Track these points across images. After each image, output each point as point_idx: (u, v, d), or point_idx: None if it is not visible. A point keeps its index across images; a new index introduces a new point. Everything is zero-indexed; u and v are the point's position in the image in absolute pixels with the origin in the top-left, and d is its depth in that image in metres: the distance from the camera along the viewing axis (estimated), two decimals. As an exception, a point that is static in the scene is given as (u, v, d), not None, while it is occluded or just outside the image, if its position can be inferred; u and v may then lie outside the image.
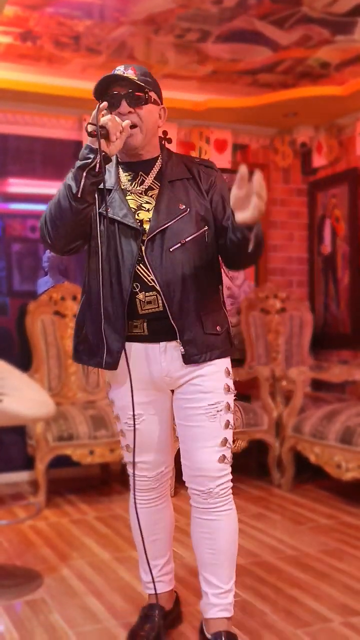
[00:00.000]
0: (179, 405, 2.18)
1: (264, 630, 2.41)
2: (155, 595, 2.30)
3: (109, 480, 4.48)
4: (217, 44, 3.79)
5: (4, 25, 3.54)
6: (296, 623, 2.46)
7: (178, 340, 2.08)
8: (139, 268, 2.08)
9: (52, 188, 4.60)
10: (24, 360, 4.30)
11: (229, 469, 2.17)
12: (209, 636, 2.19)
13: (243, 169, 1.82)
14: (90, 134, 1.94)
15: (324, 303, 5.07)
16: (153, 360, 2.12)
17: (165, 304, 2.06)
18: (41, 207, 4.72)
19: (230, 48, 3.86)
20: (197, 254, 2.10)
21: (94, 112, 1.96)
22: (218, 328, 2.15)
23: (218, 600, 2.18)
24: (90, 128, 1.94)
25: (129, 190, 2.15)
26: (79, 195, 1.97)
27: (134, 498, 2.26)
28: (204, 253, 2.12)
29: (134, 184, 2.15)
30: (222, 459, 2.13)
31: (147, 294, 2.08)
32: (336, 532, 3.46)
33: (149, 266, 2.06)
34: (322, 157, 4.94)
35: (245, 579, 2.83)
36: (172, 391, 2.20)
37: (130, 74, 2.06)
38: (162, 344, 2.11)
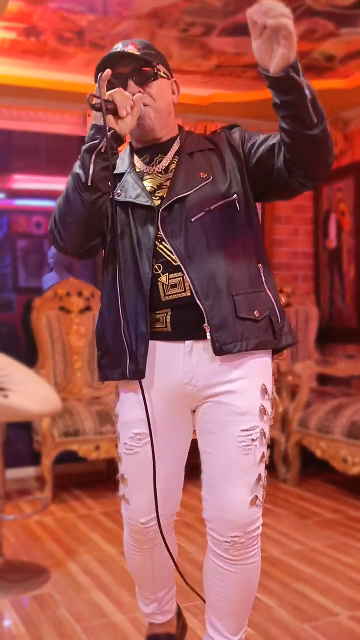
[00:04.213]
0: (204, 428, 1.80)
1: (271, 624, 2.41)
2: (160, 626, 2.06)
3: (115, 476, 4.48)
4: (222, 37, 3.78)
5: (8, 20, 3.54)
6: (302, 617, 2.46)
7: (205, 325, 1.71)
8: (161, 247, 1.77)
9: (56, 184, 4.64)
10: (29, 356, 4.31)
11: (261, 512, 1.79)
12: None
13: (251, 11, 1.47)
14: (93, 107, 1.67)
15: (330, 297, 5.06)
16: (173, 362, 1.76)
17: (190, 282, 1.72)
18: (46, 203, 4.77)
19: (234, 42, 3.84)
20: (227, 225, 1.78)
21: (97, 83, 1.68)
22: (256, 313, 1.75)
23: None
24: (94, 101, 1.66)
25: (145, 172, 1.86)
26: (89, 184, 1.68)
27: (130, 542, 1.97)
28: (236, 223, 1.79)
29: (151, 164, 1.87)
30: (254, 501, 1.76)
31: (171, 275, 1.75)
32: (342, 527, 3.46)
33: (168, 240, 1.75)
34: (327, 151, 4.92)
35: (251, 574, 2.84)
36: (193, 412, 1.84)
37: (131, 49, 1.80)
38: (188, 342, 1.75)
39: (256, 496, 1.76)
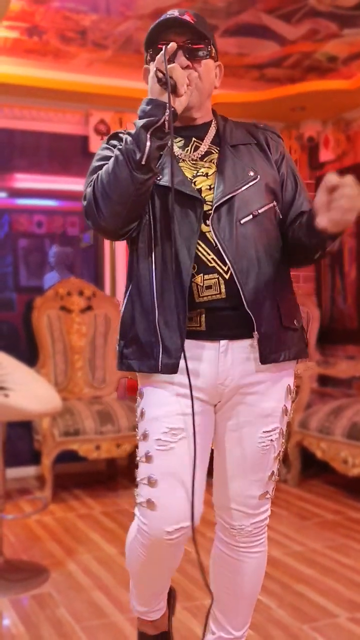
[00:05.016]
0: (224, 425, 1.77)
1: (270, 625, 2.41)
2: (151, 623, 1.95)
3: (115, 475, 4.48)
4: (224, 38, 3.77)
5: (10, 20, 3.54)
6: (302, 618, 2.46)
7: (255, 333, 1.66)
8: (197, 245, 1.69)
9: (58, 183, 4.64)
10: (30, 356, 4.31)
11: (269, 504, 1.81)
12: None
13: (332, 178, 1.50)
14: (159, 81, 1.58)
15: (331, 298, 5.06)
16: (208, 362, 1.70)
17: (239, 288, 1.65)
18: (47, 203, 4.76)
19: (237, 42, 3.84)
20: (269, 230, 1.73)
21: (160, 55, 1.57)
22: (295, 322, 1.77)
23: None
24: (159, 75, 1.58)
25: (181, 158, 1.76)
26: (143, 162, 1.57)
27: (139, 546, 1.75)
28: (275, 230, 1.75)
29: (186, 150, 1.77)
30: (264, 495, 1.77)
31: (206, 276, 1.67)
32: (342, 528, 3.46)
33: (218, 241, 1.66)
34: (329, 151, 4.92)
35: (251, 574, 2.84)
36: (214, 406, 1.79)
37: (188, 19, 1.67)
38: (223, 342, 1.69)
39: (267, 491, 1.78)
